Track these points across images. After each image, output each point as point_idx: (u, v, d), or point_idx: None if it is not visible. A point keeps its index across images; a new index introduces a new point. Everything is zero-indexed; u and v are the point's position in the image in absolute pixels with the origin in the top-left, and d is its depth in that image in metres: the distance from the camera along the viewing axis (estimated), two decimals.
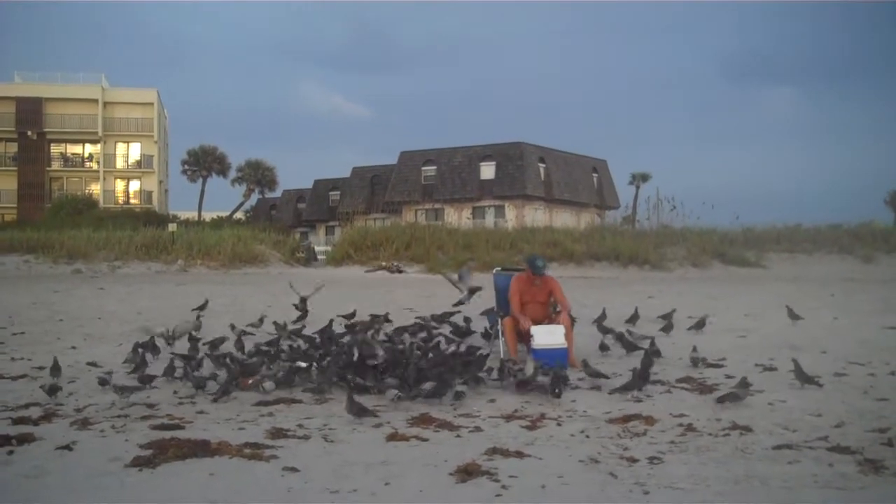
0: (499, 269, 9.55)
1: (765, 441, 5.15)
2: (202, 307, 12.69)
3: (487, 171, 53.00)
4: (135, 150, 61.55)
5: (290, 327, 9.95)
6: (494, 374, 7.20)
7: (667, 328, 10.46)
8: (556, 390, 6.54)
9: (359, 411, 5.79)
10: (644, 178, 60.15)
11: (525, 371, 7.07)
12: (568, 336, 8.16)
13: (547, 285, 8.60)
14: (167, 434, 5.27)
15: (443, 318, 9.95)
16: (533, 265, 8.51)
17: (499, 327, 8.65)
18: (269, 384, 6.81)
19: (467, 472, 4.40)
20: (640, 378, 6.84)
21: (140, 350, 8.17)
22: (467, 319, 9.78)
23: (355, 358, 7.38)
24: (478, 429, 5.54)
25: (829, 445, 4.99)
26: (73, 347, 9.49)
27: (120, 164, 61.63)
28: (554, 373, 6.86)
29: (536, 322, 8.27)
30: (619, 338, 9.15)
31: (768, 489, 4.14)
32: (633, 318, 11.28)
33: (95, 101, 59.63)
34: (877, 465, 4.52)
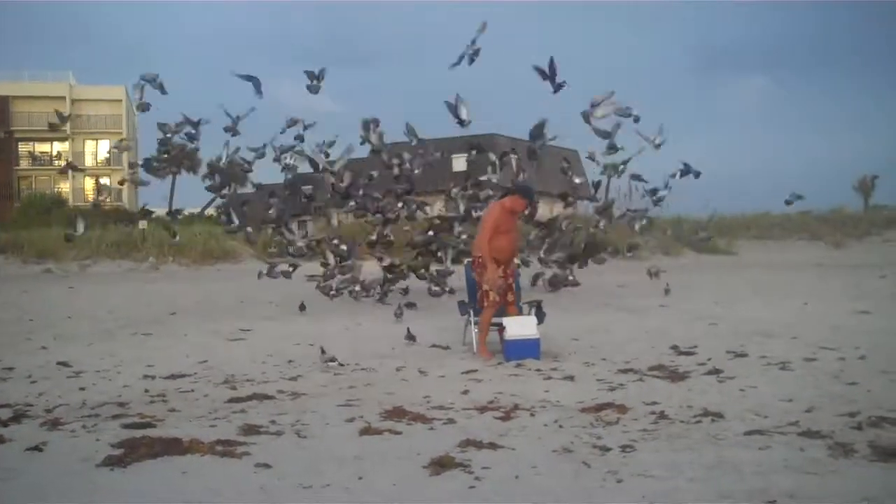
0: (470, 260, 9.49)
1: (736, 427, 5.18)
2: None
3: (460, 163, 52.96)
4: (103, 148, 60.92)
5: None
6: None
7: None
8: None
9: None
10: (616, 168, 60.36)
11: None
12: (487, 314, 8.34)
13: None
14: (138, 433, 5.21)
15: None
16: (529, 194, 8.61)
17: (470, 318, 8.66)
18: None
19: (441, 465, 4.39)
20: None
21: None
22: None
23: None
24: (451, 421, 5.53)
25: (800, 430, 5.03)
26: (44, 347, 9.37)
27: (89, 161, 60.95)
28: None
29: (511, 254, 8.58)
30: None
31: (740, 475, 4.17)
32: None
33: (63, 98, 58.91)
34: (847, 449, 4.55)
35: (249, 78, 12.70)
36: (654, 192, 14.53)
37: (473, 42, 11.33)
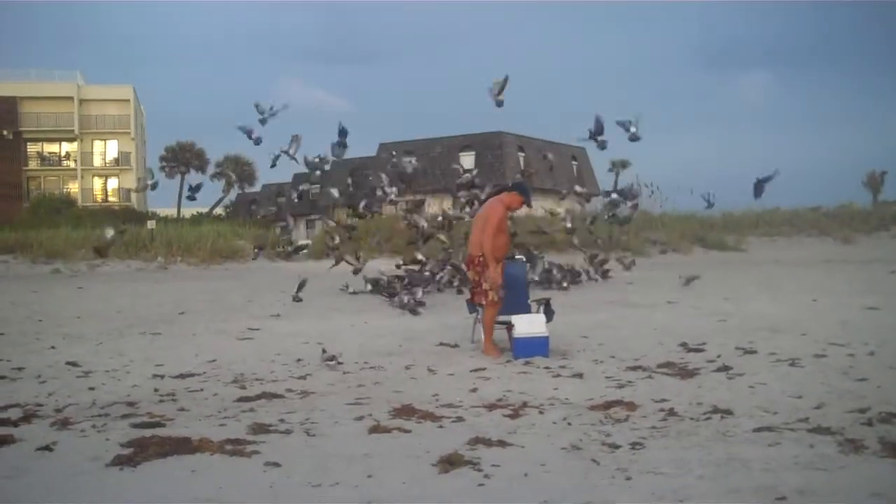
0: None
1: (745, 424, 5.17)
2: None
3: (467, 161, 52.90)
4: (112, 148, 61.05)
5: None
6: None
7: None
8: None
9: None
10: (623, 164, 60.09)
11: None
12: (490, 313, 8.32)
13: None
14: (148, 432, 5.22)
15: None
16: (526, 192, 8.58)
17: (478, 316, 8.66)
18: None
19: (450, 463, 4.39)
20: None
21: None
22: None
23: None
24: (460, 419, 5.53)
25: (809, 427, 5.01)
26: (53, 347, 9.40)
27: (97, 161, 61.12)
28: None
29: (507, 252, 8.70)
30: None
31: (750, 472, 4.16)
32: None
33: (71, 98, 59.05)
34: (857, 445, 4.54)
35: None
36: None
37: (501, 91, 11.61)
